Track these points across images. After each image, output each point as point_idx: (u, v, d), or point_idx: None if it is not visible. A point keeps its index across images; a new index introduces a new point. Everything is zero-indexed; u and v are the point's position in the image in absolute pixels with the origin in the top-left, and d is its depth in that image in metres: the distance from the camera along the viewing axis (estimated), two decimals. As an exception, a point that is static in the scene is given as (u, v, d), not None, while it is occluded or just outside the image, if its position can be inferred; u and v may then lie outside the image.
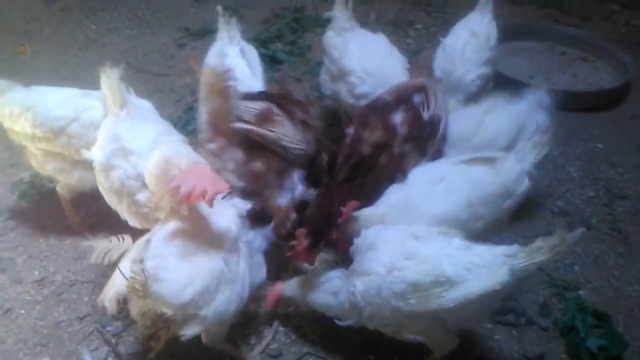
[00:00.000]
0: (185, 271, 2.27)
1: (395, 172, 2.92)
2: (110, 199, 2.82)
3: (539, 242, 2.24)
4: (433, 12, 5.82)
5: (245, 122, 2.93)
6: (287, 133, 2.97)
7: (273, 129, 2.94)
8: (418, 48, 5.13)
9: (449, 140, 3.20)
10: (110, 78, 2.85)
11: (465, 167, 2.77)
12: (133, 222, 2.76)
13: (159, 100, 4.15)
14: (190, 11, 5.66)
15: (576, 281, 3.14)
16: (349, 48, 3.65)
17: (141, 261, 2.13)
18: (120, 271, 2.21)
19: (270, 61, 4.85)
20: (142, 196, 2.67)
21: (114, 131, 2.77)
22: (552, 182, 3.79)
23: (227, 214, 2.55)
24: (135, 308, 2.30)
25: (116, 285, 2.28)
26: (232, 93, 2.96)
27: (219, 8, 3.55)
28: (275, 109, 3.00)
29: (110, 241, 2.33)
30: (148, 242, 2.33)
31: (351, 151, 3.05)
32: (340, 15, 3.75)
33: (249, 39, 4.17)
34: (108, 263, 2.28)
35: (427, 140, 3.06)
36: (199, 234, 2.40)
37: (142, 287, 2.09)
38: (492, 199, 2.68)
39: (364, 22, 5.26)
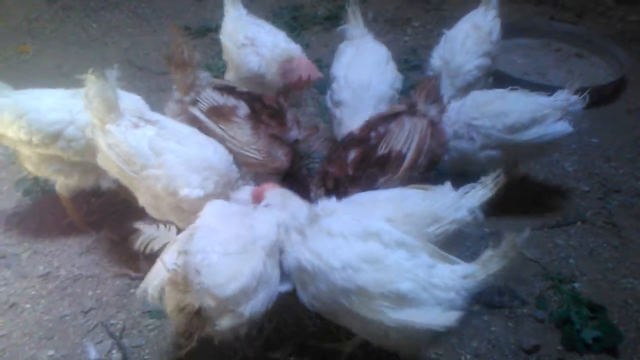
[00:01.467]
0: (228, 267, 2.26)
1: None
2: None
3: (489, 252, 2.20)
4: (431, 9, 5.86)
5: (201, 110, 3.04)
6: (237, 137, 3.03)
7: (223, 127, 3.02)
8: (415, 45, 5.17)
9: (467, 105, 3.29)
10: (103, 84, 2.68)
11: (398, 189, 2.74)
12: None
13: (160, 98, 4.16)
14: (191, 10, 5.69)
15: (571, 274, 3.17)
16: (341, 55, 3.75)
17: (185, 253, 2.14)
18: (163, 263, 2.20)
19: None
20: None
21: (188, 156, 2.75)
22: (547, 177, 3.84)
23: (267, 219, 2.53)
24: (171, 304, 2.25)
25: (161, 275, 2.24)
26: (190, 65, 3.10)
27: None
28: (242, 111, 3.05)
29: (158, 228, 2.35)
30: (191, 236, 2.32)
31: (320, 184, 3.08)
32: (351, 26, 3.87)
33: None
34: (150, 251, 2.30)
35: (375, 178, 2.98)
36: (241, 234, 2.40)
37: (183, 280, 2.09)
38: (415, 219, 2.52)
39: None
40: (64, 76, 4.56)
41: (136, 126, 2.76)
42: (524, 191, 3.70)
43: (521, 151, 3.33)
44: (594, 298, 3.01)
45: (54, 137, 2.97)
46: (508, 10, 5.76)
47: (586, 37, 5.17)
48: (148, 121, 2.81)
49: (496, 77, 4.24)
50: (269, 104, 3.15)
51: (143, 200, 2.83)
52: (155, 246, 2.30)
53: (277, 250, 2.47)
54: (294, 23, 5.54)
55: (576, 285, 3.11)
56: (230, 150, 2.97)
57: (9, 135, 3.01)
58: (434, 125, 3.15)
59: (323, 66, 4.80)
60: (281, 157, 3.11)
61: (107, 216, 3.47)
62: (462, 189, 2.61)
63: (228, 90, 3.19)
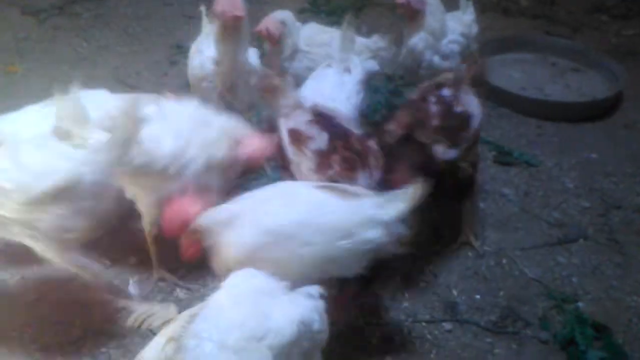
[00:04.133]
0: None
1: (424, 159, 2.89)
2: None
3: None
4: (425, 24, 5.83)
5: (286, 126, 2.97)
6: (301, 166, 2.85)
7: (294, 151, 2.89)
8: (410, 61, 5.14)
9: None
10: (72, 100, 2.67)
11: (317, 190, 2.58)
12: None
13: (152, 117, 4.12)
14: (183, 28, 5.64)
15: (574, 293, 3.11)
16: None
17: (177, 339, 1.93)
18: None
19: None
20: None
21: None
22: (547, 193, 3.79)
23: (290, 312, 2.04)
24: None
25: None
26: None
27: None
28: (315, 145, 2.87)
29: (153, 307, 2.19)
30: (194, 316, 2.01)
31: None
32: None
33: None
34: (147, 328, 2.14)
35: (458, 131, 3.04)
36: (248, 324, 1.98)
37: None
38: (326, 229, 2.42)
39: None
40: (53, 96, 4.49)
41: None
42: (524, 208, 3.65)
43: None
44: (599, 317, 2.95)
45: None
46: (503, 24, 5.79)
47: (582, 52, 5.15)
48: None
49: (494, 92, 4.22)
50: (353, 146, 2.89)
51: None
52: (154, 323, 2.12)
53: (296, 353, 2.03)
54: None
55: (580, 304, 3.05)
56: (294, 175, 2.88)
57: None
58: None
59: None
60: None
61: (97, 239, 3.38)
62: (382, 199, 2.45)
63: (321, 117, 3.01)
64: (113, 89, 3.21)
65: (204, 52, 3.67)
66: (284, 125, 2.99)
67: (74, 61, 5.19)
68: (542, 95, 4.69)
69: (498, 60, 4.99)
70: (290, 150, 2.91)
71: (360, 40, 3.94)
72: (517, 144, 4.15)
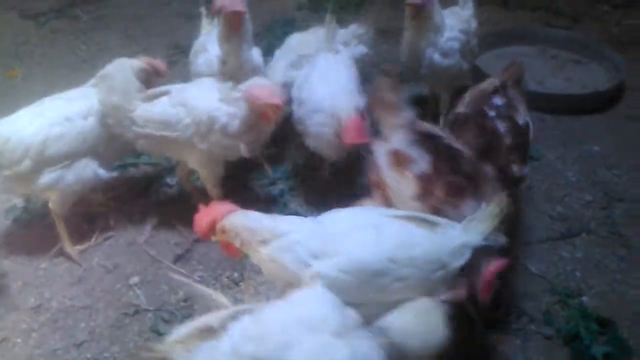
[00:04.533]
0: None
1: (504, 182, 2.69)
2: None
3: None
4: (424, 19, 5.80)
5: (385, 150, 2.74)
6: (402, 190, 2.62)
7: (394, 175, 2.67)
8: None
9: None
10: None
11: (401, 222, 2.40)
12: None
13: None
14: (181, 28, 5.63)
15: (578, 287, 3.09)
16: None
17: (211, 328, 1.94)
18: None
19: (262, 75, 4.82)
20: None
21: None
22: (551, 187, 3.77)
23: (333, 352, 1.89)
24: None
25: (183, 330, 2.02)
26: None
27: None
28: (417, 167, 2.63)
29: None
30: (241, 312, 2.02)
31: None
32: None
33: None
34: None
35: (526, 145, 3.00)
36: (269, 345, 1.92)
37: None
38: (420, 264, 2.29)
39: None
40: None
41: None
42: (527, 202, 3.63)
43: None
44: (603, 312, 2.93)
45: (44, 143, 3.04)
46: (503, 17, 5.75)
47: (583, 43, 5.10)
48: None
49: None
50: (463, 169, 2.63)
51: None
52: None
53: None
54: (285, 37, 5.48)
55: (584, 299, 3.03)
56: (389, 200, 2.66)
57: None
58: None
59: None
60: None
61: (99, 244, 3.39)
62: (466, 222, 2.38)
63: (426, 137, 2.76)
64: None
65: (210, 50, 3.68)
66: (382, 148, 2.76)
67: (74, 64, 5.21)
68: (542, 88, 4.66)
69: (497, 54, 4.97)
70: (389, 175, 2.66)
71: (342, 32, 4.07)
72: (519, 138, 4.12)
